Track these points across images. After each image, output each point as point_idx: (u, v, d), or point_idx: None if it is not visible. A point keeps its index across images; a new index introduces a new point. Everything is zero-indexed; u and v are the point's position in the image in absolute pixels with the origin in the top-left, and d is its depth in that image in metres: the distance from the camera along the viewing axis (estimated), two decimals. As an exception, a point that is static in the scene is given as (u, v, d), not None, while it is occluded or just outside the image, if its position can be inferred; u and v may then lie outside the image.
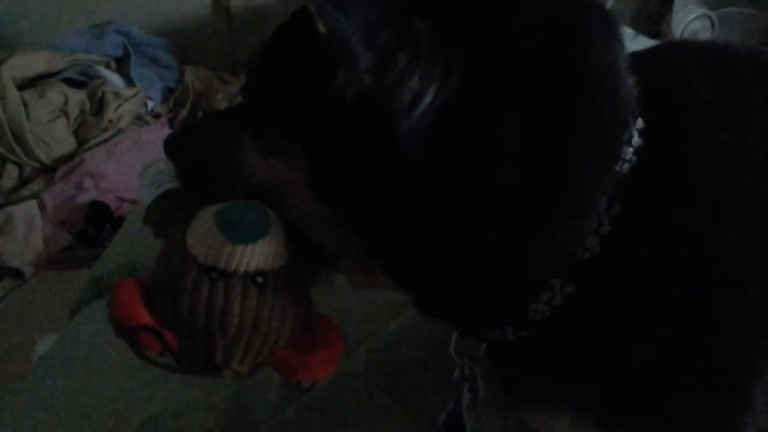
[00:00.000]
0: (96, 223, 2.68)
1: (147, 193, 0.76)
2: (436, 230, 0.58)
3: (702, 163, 0.58)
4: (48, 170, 2.99)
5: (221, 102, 3.20)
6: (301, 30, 0.59)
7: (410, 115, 0.55)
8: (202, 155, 0.72)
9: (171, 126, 3.27)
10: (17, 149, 2.92)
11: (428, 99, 0.55)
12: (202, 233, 0.63)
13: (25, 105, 2.94)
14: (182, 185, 0.73)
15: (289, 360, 0.66)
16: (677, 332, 0.57)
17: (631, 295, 0.58)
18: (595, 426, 0.63)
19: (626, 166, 0.58)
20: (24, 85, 3.05)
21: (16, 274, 2.56)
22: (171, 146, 0.74)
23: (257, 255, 0.63)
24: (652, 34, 2.44)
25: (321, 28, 0.55)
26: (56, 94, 3.05)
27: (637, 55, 0.64)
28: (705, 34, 2.47)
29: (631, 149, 0.58)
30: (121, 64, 3.44)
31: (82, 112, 3.11)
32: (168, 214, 0.74)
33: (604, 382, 0.61)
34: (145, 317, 0.62)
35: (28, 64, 3.11)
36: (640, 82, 0.61)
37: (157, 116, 3.33)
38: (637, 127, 0.59)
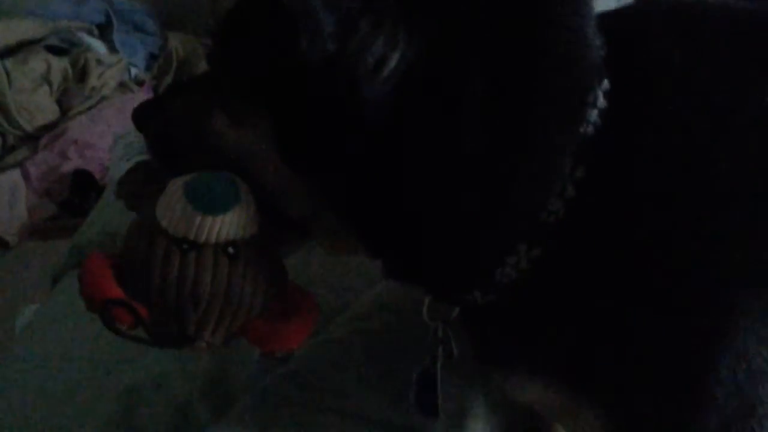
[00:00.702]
0: (81, 191, 2.67)
1: (117, 166, 0.76)
2: (401, 194, 0.58)
3: (667, 126, 0.57)
4: (31, 139, 2.96)
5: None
6: None
7: (374, 79, 0.55)
8: (170, 126, 0.71)
9: (155, 93, 3.24)
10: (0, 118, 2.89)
11: (392, 63, 0.55)
12: (172, 205, 0.63)
13: (7, 73, 2.90)
14: (152, 156, 0.73)
15: (262, 330, 0.66)
16: (642, 299, 0.57)
17: (596, 260, 0.58)
18: (565, 391, 0.63)
19: (590, 128, 0.57)
20: (5, 53, 3.01)
21: (1, 243, 2.55)
22: (140, 117, 0.73)
23: (227, 225, 0.63)
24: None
25: None
26: (39, 61, 3.01)
27: (605, 16, 0.63)
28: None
29: (596, 111, 0.57)
30: (103, 31, 3.38)
31: (65, 79, 3.07)
32: (139, 186, 0.73)
33: (571, 347, 0.61)
34: (115, 290, 0.62)
35: (9, 31, 3.06)
36: (608, 42, 0.60)
37: (140, 83, 3.29)
38: (603, 89, 0.58)
